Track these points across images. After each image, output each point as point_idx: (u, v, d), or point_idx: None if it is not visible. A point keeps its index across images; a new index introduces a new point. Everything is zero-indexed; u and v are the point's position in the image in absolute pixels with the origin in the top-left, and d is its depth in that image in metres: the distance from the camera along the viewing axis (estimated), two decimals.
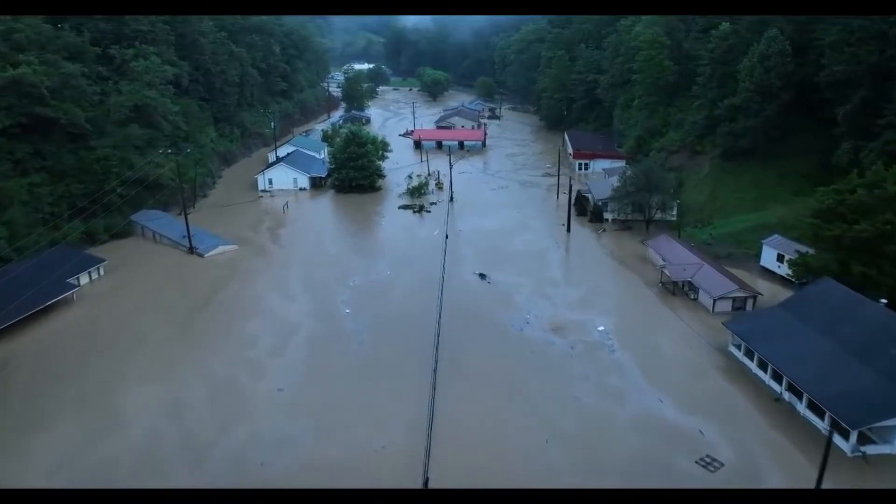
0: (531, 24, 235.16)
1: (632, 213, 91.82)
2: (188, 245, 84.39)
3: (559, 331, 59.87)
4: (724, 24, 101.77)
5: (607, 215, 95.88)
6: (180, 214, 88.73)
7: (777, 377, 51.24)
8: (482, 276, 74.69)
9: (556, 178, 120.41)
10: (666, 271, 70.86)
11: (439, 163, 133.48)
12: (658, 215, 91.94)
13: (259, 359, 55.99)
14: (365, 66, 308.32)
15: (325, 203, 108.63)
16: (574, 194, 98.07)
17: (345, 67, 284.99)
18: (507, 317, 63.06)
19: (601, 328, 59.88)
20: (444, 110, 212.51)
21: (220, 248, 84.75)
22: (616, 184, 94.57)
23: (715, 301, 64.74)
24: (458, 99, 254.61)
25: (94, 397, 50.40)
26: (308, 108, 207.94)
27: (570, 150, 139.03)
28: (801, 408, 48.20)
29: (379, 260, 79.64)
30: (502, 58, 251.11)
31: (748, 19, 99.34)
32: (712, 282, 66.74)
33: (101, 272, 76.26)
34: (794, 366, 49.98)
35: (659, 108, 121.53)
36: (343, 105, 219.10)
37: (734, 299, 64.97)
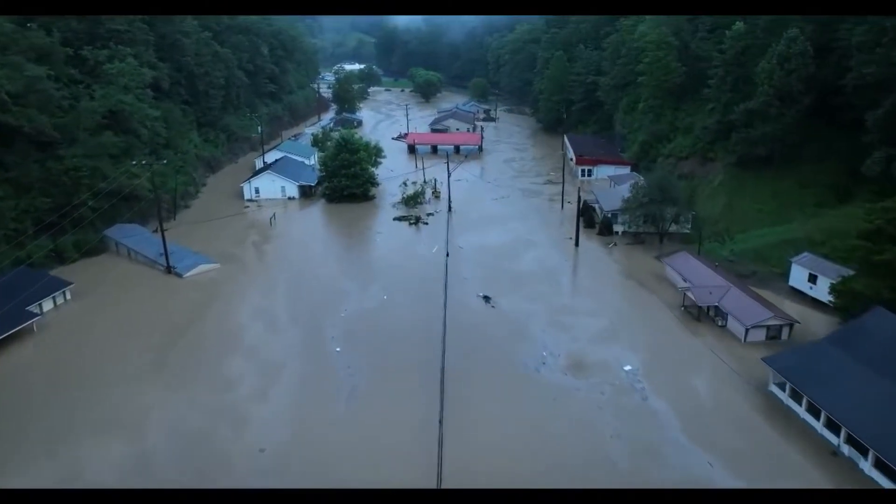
0: (526, 24, 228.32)
1: (644, 226, 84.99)
2: (165, 264, 76.80)
3: (581, 371, 52.63)
4: (737, 23, 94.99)
5: (617, 228, 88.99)
6: (156, 231, 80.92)
7: (832, 426, 44.43)
8: (486, 298, 67.64)
9: (560, 185, 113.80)
10: (690, 294, 63.97)
11: (435, 168, 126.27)
12: (671, 227, 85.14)
13: (238, 405, 48.53)
14: (356, 67, 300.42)
15: (315, 214, 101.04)
16: (580, 204, 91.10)
17: (335, 68, 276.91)
18: (521, 353, 55.66)
19: (628, 367, 52.72)
20: (439, 112, 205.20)
21: (201, 268, 77.15)
22: (627, 194, 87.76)
23: (747, 330, 57.88)
24: (452, 100, 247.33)
25: (43, 450, 42.92)
26: (297, 110, 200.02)
27: (572, 155, 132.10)
28: (866, 465, 41.37)
29: (373, 282, 72.06)
30: (496, 58, 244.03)
31: (764, 19, 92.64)
32: (743, 308, 59.86)
33: (68, 297, 68.45)
34: (853, 414, 43.14)
35: (666, 112, 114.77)
36: (334, 107, 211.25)
37: (768, 328, 58.18)
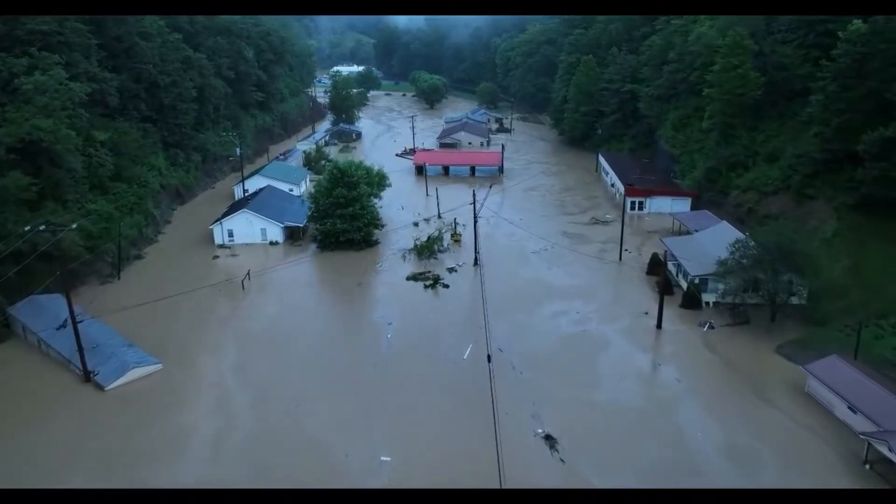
0: (538, 25, 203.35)
1: (745, 295, 60.25)
2: (82, 369, 51.77)
3: None
4: (855, 22, 70.10)
5: (707, 297, 64.25)
6: (90, 306, 55.00)
7: None
8: (549, 440, 43.02)
9: (609, 226, 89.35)
10: (877, 445, 39.40)
11: (447, 194, 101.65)
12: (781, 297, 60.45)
13: None
14: (354, 69, 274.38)
15: (302, 272, 74.90)
16: (663, 276, 66.43)
17: (332, 71, 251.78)
18: None
19: None
20: (446, 122, 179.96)
21: (133, 373, 52.00)
22: (709, 244, 63.25)
23: None
24: (458, 106, 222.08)
25: None
26: (290, 120, 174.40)
27: (613, 180, 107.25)
28: None
29: (377, 418, 45.80)
30: (506, 61, 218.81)
31: (893, 18, 67.97)
32: None
33: None
34: None
35: (740, 133, 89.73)
36: (330, 115, 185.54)
37: None
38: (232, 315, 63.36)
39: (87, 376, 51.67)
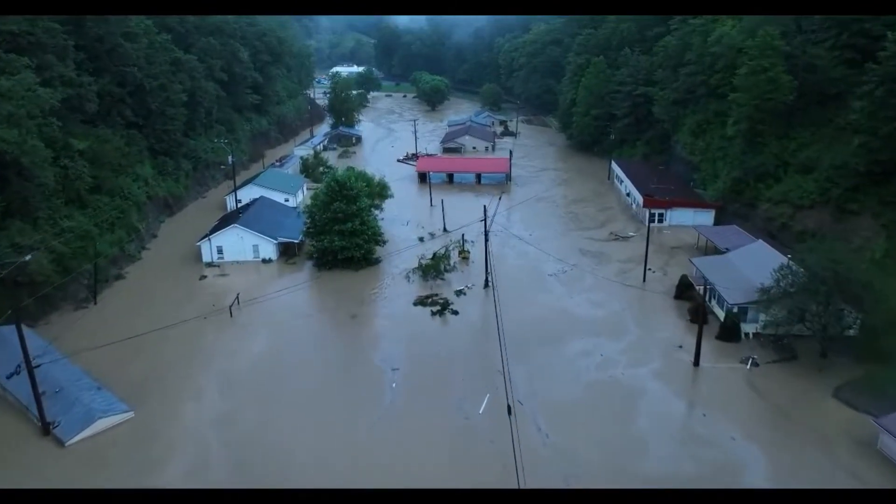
0: (543, 25, 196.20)
1: (789, 324, 52.99)
2: (40, 420, 44.57)
3: None
4: None
5: (746, 327, 57.05)
6: (59, 340, 47.55)
7: None
8: None
9: (629, 242, 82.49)
10: None
11: (453, 205, 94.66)
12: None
13: None
14: (354, 70, 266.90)
15: (297, 295, 67.59)
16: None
17: (331, 72, 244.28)
18: None
19: None
20: (449, 125, 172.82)
21: (100, 423, 44.82)
22: (745, 267, 56.10)
23: None
24: (460, 108, 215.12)
25: None
26: (287, 123, 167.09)
27: (628, 189, 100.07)
28: None
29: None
30: (509, 62, 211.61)
31: None
32: None
33: None
34: None
35: (769, 141, 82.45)
36: (329, 118, 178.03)
37: None
38: (216, 351, 55.92)
39: (45, 429, 44.47)
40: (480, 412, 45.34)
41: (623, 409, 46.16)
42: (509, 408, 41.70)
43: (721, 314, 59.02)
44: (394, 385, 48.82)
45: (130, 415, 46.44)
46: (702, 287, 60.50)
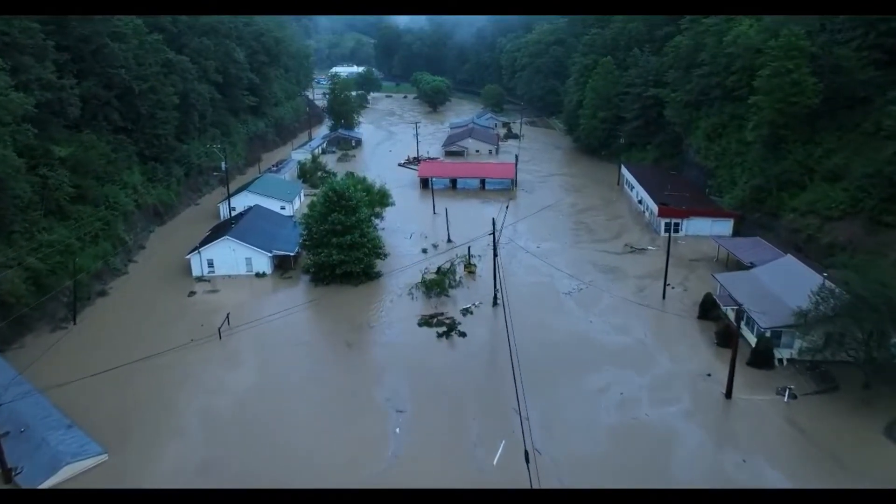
0: (546, 24, 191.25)
1: (830, 350, 48.12)
2: (1, 464, 39.62)
3: None
4: None
5: (780, 352, 52.12)
6: (30, 370, 42.05)
7: None
8: None
9: (644, 254, 77.65)
10: None
11: (457, 213, 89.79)
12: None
13: None
14: (354, 70, 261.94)
15: (292, 316, 62.24)
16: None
17: (331, 72, 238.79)
18: None
19: None
20: (451, 126, 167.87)
21: (68, 469, 39.94)
22: (795, 296, 50.90)
23: None
24: (461, 109, 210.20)
25: None
26: (285, 125, 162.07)
27: (640, 196, 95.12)
28: None
29: None
30: (511, 62, 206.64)
31: None
32: None
33: None
34: None
35: (792, 147, 77.52)
36: (329, 119, 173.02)
37: None
38: (202, 383, 50.65)
39: (6, 475, 39.50)
40: (495, 463, 40.14)
41: (653, 460, 40.48)
42: (527, 454, 36.68)
43: (751, 337, 54.13)
44: (397, 430, 43.59)
45: (104, 457, 41.44)
46: (730, 308, 55.58)
